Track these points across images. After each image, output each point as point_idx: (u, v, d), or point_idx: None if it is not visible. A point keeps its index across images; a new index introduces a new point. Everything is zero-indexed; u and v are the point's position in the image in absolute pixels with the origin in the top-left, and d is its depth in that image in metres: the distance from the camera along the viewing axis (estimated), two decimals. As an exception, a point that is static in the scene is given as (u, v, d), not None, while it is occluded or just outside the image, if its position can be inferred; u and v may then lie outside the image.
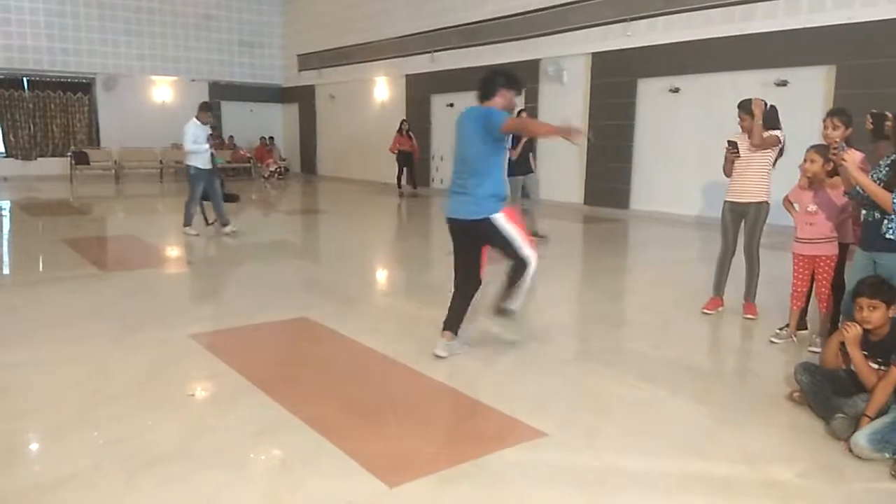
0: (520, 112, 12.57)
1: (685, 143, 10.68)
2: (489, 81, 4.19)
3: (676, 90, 10.75)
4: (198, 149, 8.43)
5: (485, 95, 4.20)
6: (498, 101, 4.14)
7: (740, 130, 5.12)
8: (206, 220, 9.03)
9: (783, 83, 9.21)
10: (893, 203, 3.40)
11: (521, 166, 8.30)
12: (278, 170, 19.05)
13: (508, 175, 8.28)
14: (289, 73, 20.90)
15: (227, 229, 8.77)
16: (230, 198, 9.07)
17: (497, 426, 3.21)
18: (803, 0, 8.97)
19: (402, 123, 14.68)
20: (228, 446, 2.93)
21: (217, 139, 8.61)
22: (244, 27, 20.33)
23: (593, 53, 11.68)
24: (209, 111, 8.76)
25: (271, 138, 20.21)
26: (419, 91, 15.85)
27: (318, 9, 19.14)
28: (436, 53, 15.13)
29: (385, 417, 3.26)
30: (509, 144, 4.29)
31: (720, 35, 9.88)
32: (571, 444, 3.01)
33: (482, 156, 4.06)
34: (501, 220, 4.04)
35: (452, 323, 4.21)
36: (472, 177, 4.08)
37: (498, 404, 3.40)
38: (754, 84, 9.54)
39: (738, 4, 9.67)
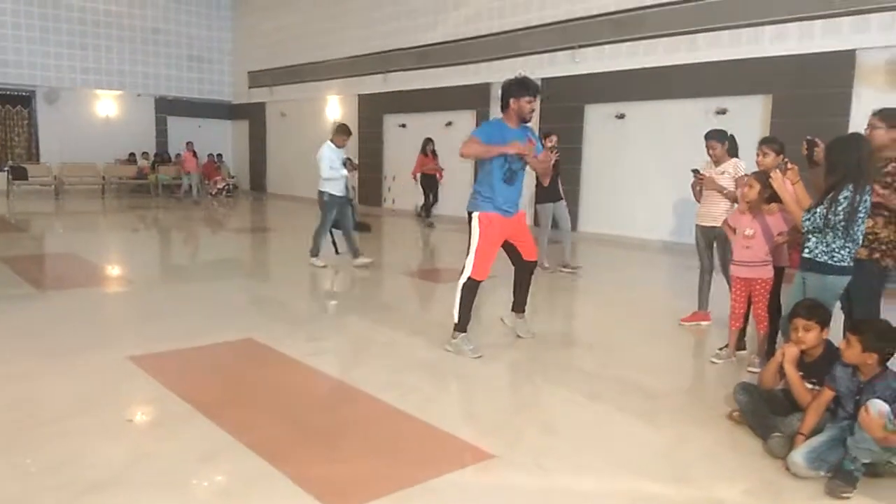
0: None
1: (631, 167, 10.96)
2: (502, 94, 4.62)
3: (622, 116, 11.04)
4: (334, 175, 7.76)
5: (501, 108, 4.65)
6: (511, 111, 4.58)
7: (708, 158, 5.35)
8: (335, 249, 8.35)
9: (723, 111, 9.55)
10: (803, 220, 3.60)
11: (552, 192, 7.92)
12: (226, 187, 18.75)
13: (538, 202, 8.24)
14: (238, 90, 20.67)
15: (359, 261, 8.02)
16: (362, 227, 8.39)
17: (446, 449, 3.19)
18: (743, 32, 9.35)
19: (426, 142, 13.09)
20: (169, 473, 2.83)
21: (354, 165, 8.03)
22: (193, 42, 20.03)
23: (542, 79, 11.90)
24: (346, 134, 7.98)
25: (219, 155, 19.90)
26: (372, 111, 15.88)
27: (268, 26, 19.02)
28: (388, 74, 15.20)
29: (332, 441, 3.21)
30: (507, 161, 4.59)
31: (663, 64, 10.21)
32: (520, 464, 3.01)
33: (480, 162, 4.67)
34: (475, 220, 4.57)
35: (517, 303, 5.01)
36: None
37: (447, 427, 3.39)
38: (696, 112, 9.90)
39: (681, 34, 10.02)
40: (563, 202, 8.20)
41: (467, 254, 4.58)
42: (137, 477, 2.79)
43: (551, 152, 7.68)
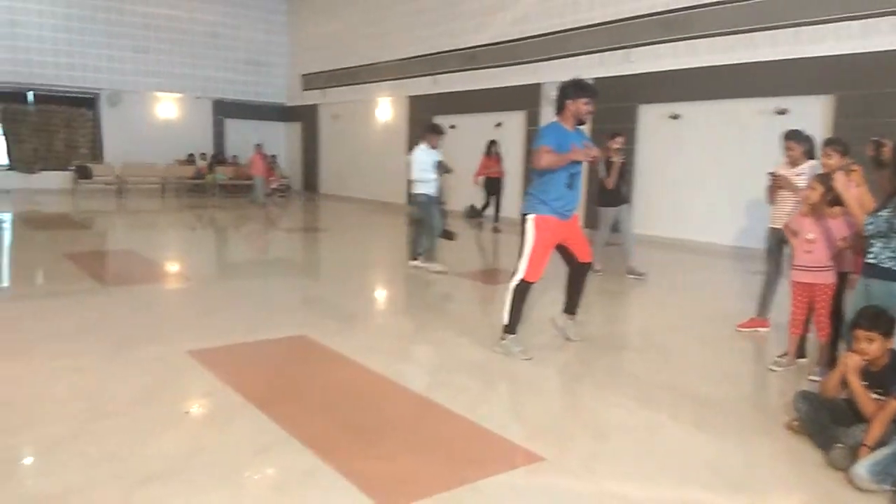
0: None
1: (686, 168, 10.74)
2: (558, 96, 4.60)
3: (677, 117, 10.83)
4: (426, 178, 7.62)
5: (556, 110, 4.63)
6: (567, 113, 4.55)
7: (785, 160, 5.14)
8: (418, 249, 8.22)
9: (783, 112, 9.27)
10: (866, 224, 3.46)
11: (616, 196, 7.70)
12: (280, 187, 19.12)
13: (602, 205, 7.78)
14: (293, 92, 21.07)
15: (416, 263, 7.87)
16: (448, 235, 8.15)
17: (495, 450, 3.19)
18: (804, 30, 9.07)
19: (490, 144, 12.50)
20: (224, 465, 2.91)
21: (446, 168, 7.75)
22: (250, 46, 20.53)
23: (595, 79, 11.77)
24: (439, 133, 7.80)
25: (274, 156, 20.31)
26: (422, 112, 15.95)
27: (322, 30, 19.35)
28: (438, 76, 15.26)
29: (382, 439, 3.24)
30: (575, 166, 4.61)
31: (720, 63, 9.97)
32: (569, 468, 2.99)
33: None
34: (529, 223, 4.53)
35: (569, 304, 4.95)
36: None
37: (496, 427, 3.38)
38: (754, 112, 9.65)
39: (738, 33, 9.78)
40: (628, 206, 7.93)
41: (520, 256, 4.56)
42: (194, 469, 2.87)
43: (616, 154, 7.54)
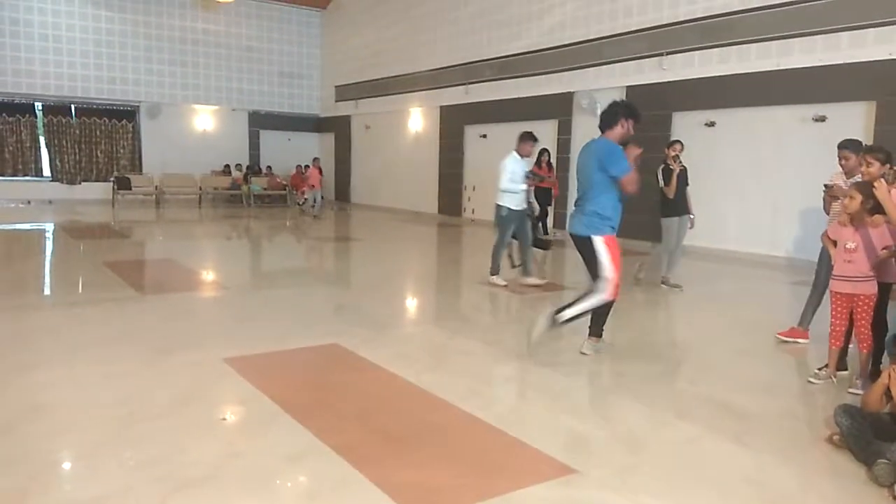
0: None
1: (722, 177, 10.57)
2: (611, 113, 4.64)
3: (712, 124, 10.69)
4: (514, 188, 7.21)
5: (606, 126, 4.66)
6: (618, 130, 4.61)
7: (839, 170, 4.99)
8: (512, 262, 7.89)
9: (821, 119, 9.10)
10: None
11: (678, 206, 7.47)
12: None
13: (665, 216, 7.65)
14: (326, 104, 21.34)
15: (530, 280, 7.46)
16: (542, 244, 7.90)
17: (527, 461, 3.16)
18: (843, 35, 8.89)
19: (541, 153, 11.96)
20: (258, 472, 2.94)
21: (535, 178, 7.40)
22: (284, 59, 20.88)
23: (628, 87, 11.70)
24: (533, 141, 7.37)
25: (307, 166, 20.53)
26: (453, 122, 16.04)
27: (355, 41, 19.58)
28: (470, 85, 15.31)
29: (413, 447, 3.24)
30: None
31: (757, 70, 9.83)
32: (604, 482, 2.95)
33: (595, 183, 4.57)
34: (600, 244, 4.54)
35: (593, 327, 4.83)
36: (585, 200, 4.65)
37: (529, 438, 3.36)
38: (792, 119, 9.49)
39: (775, 40, 9.63)
40: (689, 216, 7.63)
41: (599, 276, 4.56)
42: (229, 475, 2.90)
43: (675, 162, 7.42)
